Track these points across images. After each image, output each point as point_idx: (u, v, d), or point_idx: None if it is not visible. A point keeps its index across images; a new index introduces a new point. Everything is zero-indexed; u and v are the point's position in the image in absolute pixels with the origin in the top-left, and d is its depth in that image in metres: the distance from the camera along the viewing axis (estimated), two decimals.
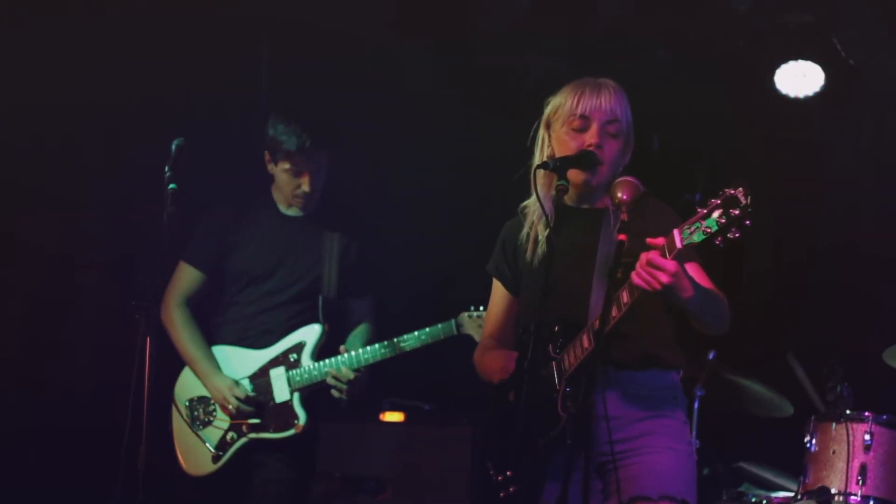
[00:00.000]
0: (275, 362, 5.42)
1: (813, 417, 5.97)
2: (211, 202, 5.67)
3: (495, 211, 4.79)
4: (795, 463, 5.98)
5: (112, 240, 6.62)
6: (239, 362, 5.39)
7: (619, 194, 4.04)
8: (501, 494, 4.26)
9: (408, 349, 5.35)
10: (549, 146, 4.40)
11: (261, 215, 5.54)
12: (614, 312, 4.03)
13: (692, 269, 4.09)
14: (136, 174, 6.21)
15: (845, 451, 5.86)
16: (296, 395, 5.38)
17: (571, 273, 4.28)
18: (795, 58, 6.96)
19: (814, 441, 5.94)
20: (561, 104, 4.36)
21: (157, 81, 6.35)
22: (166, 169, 5.06)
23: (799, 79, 6.98)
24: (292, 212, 5.56)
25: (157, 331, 4.86)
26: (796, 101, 6.94)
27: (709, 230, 3.78)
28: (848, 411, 5.94)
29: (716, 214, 3.76)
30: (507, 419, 4.26)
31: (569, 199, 4.39)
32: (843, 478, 5.83)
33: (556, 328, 4.25)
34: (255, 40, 6.85)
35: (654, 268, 3.88)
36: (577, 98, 4.30)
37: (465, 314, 5.34)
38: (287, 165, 5.42)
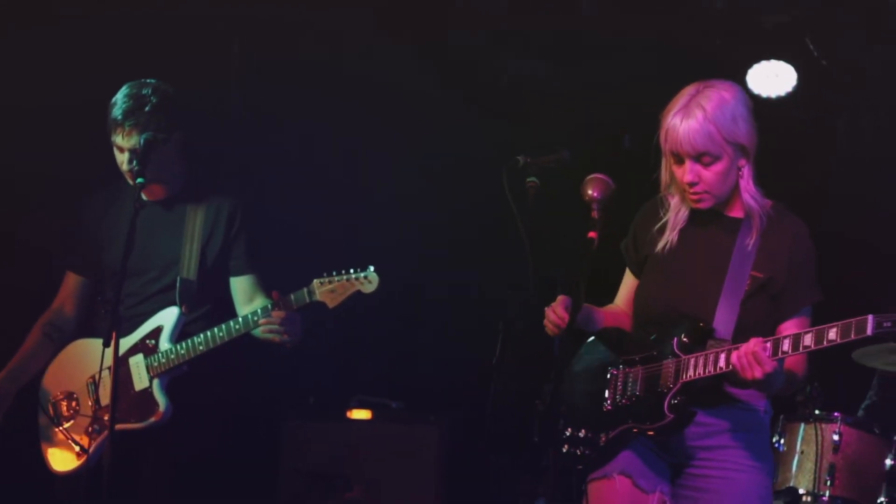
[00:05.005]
0: (133, 350, 5.22)
1: (782, 417, 5.98)
2: (84, 196, 5.49)
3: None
4: None
5: None
6: (98, 354, 5.02)
7: (590, 191, 4.02)
8: (566, 448, 4.24)
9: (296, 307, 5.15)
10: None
11: (126, 204, 5.19)
12: (701, 371, 4.06)
13: (795, 325, 4.13)
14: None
15: (814, 452, 5.87)
16: (155, 381, 5.17)
17: (700, 275, 4.23)
18: (768, 58, 6.98)
19: (782, 441, 5.95)
20: (661, 131, 4.24)
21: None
22: (133, 163, 4.99)
23: (771, 78, 7.00)
24: (154, 197, 5.31)
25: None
26: (768, 100, 6.95)
27: None
28: (817, 411, 5.95)
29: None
30: (599, 387, 4.27)
31: None
32: (812, 478, 5.84)
33: (690, 328, 4.17)
34: (228, 39, 6.83)
35: (756, 362, 3.92)
36: (665, 133, 4.19)
37: (317, 280, 5.09)
38: (112, 138, 5.16)
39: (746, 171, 4.22)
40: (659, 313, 4.22)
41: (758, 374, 3.92)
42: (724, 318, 4.12)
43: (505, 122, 7.23)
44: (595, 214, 3.98)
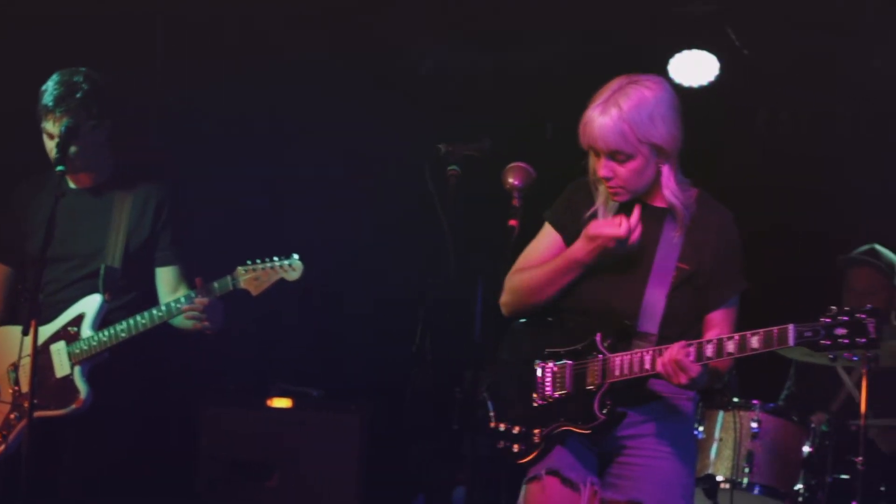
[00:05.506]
0: (55, 337, 5.20)
1: (700, 405, 6.01)
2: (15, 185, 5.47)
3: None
4: None
5: None
6: (19, 341, 5.07)
7: (511, 180, 4.02)
8: (501, 444, 4.22)
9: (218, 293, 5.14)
10: None
11: (51, 193, 5.11)
12: (626, 371, 4.06)
13: (722, 316, 4.16)
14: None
15: (732, 439, 5.93)
16: (77, 368, 5.15)
17: (626, 266, 4.18)
18: (690, 47, 7.02)
19: (701, 428, 5.99)
20: (580, 123, 4.19)
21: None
22: (55, 150, 4.96)
23: (693, 68, 7.04)
24: (81, 184, 5.29)
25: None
26: (690, 90, 6.99)
27: (826, 343, 3.83)
28: (735, 399, 5.99)
29: (840, 332, 3.80)
30: (527, 381, 4.24)
31: None
32: (730, 465, 5.90)
33: (615, 325, 4.15)
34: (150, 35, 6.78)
35: (680, 369, 3.93)
36: (583, 126, 4.15)
37: (241, 268, 5.09)
38: (42, 124, 5.15)
39: (667, 170, 4.15)
40: (585, 302, 4.20)
41: (683, 380, 3.94)
42: (650, 310, 4.12)
43: (426, 110, 7.22)
44: (516, 202, 3.98)
